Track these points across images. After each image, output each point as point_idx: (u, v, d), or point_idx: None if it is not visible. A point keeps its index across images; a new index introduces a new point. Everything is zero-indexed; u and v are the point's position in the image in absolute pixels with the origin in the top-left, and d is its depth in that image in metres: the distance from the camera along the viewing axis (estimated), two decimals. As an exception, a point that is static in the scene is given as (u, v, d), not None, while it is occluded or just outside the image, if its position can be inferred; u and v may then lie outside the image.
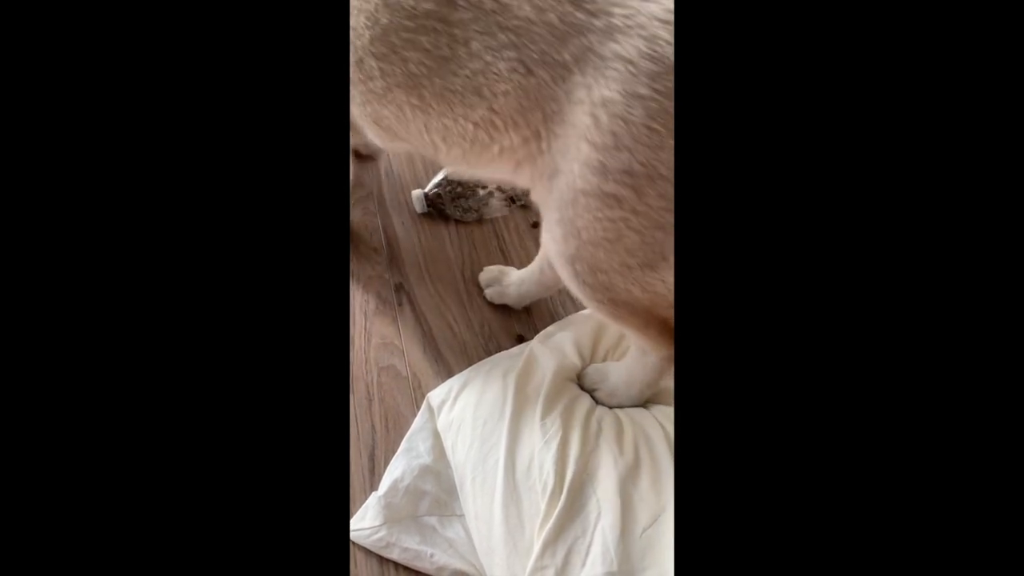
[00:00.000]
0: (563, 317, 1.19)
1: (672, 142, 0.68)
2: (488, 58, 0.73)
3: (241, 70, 0.43)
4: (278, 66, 0.44)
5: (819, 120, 0.42)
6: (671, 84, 0.67)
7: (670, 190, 0.71)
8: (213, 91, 0.43)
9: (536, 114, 0.75)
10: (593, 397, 1.01)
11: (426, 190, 1.35)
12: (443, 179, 1.34)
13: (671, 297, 0.84)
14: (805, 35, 0.43)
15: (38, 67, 0.41)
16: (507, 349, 1.12)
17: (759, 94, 0.43)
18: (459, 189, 1.34)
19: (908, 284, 0.41)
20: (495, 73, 0.74)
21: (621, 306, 0.84)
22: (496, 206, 1.36)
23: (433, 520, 0.95)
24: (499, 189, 1.35)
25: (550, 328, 1.13)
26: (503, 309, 1.22)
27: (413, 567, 0.92)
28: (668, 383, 1.02)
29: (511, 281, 1.22)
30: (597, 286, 0.83)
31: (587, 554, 0.80)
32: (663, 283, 0.81)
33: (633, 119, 0.68)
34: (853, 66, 0.42)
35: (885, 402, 0.41)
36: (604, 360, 1.07)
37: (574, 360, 1.05)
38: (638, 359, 0.97)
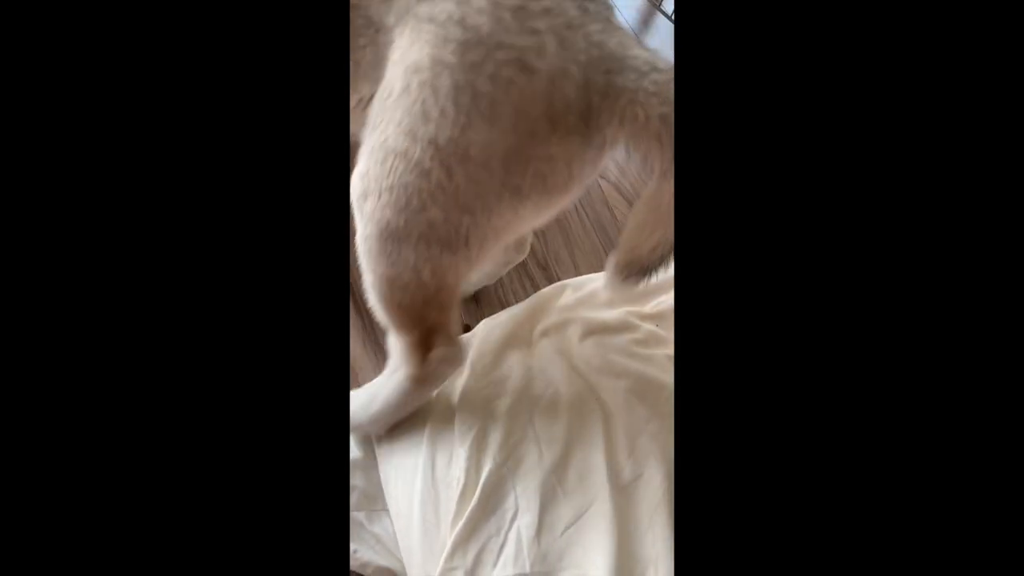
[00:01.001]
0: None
1: (485, 125, 0.65)
2: (351, 14, 0.77)
3: (242, 66, 0.43)
4: (277, 63, 0.43)
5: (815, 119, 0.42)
6: (479, 58, 0.64)
7: (483, 176, 0.68)
8: (206, 89, 0.42)
9: (381, 70, 0.75)
10: None
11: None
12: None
13: (453, 293, 0.80)
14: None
15: (33, 65, 0.40)
16: (451, 339, 1.08)
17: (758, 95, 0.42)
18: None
19: (902, 273, 0.41)
20: (355, 28, 0.76)
21: (400, 290, 0.78)
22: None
23: (360, 516, 0.92)
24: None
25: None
26: (449, 297, 1.19)
27: (336, 564, 0.90)
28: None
29: None
30: (388, 255, 0.76)
31: (499, 555, 0.77)
32: (454, 272, 0.77)
33: (440, 90, 0.66)
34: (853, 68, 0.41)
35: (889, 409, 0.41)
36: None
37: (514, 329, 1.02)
38: (387, 376, 0.90)
